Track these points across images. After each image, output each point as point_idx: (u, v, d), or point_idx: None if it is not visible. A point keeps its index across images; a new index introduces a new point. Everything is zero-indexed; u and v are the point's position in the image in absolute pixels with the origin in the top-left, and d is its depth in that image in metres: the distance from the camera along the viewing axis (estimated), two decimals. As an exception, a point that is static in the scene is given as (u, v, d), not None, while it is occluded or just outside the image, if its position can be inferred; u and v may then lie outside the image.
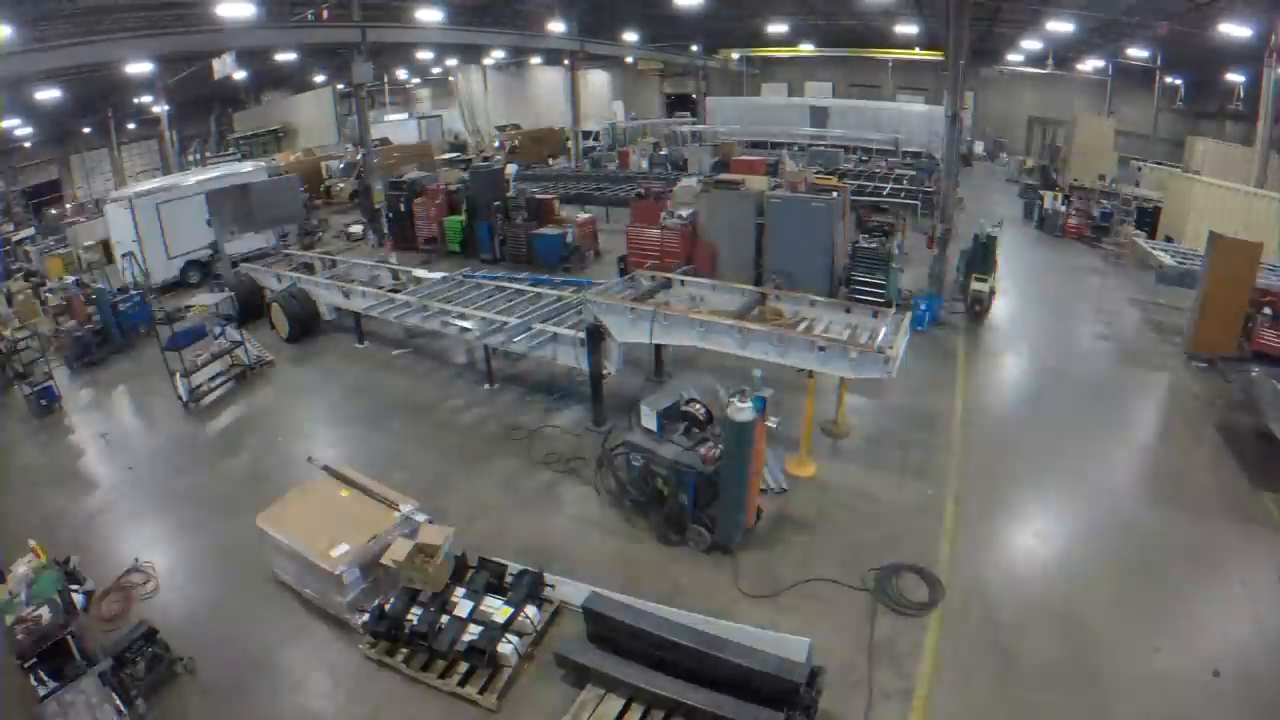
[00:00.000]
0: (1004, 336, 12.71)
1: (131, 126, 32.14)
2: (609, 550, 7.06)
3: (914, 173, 22.36)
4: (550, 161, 32.73)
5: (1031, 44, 27.60)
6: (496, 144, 34.79)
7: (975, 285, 12.90)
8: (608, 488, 7.81)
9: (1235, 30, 17.02)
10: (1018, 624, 6.06)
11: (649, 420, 7.38)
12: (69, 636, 5.19)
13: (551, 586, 6.23)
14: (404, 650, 5.76)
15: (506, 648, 5.55)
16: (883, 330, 8.03)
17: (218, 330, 11.24)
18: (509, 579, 6.20)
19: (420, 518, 6.46)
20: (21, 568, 5.85)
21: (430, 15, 22.35)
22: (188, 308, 12.13)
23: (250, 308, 13.23)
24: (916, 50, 33.10)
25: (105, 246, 19.71)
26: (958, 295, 13.59)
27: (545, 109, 38.51)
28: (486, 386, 10.62)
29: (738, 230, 13.65)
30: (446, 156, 30.86)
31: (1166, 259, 14.21)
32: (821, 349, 7.64)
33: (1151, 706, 5.29)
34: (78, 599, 5.87)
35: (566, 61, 29.53)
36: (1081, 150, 24.91)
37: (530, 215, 17.43)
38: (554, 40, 27.56)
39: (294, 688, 5.65)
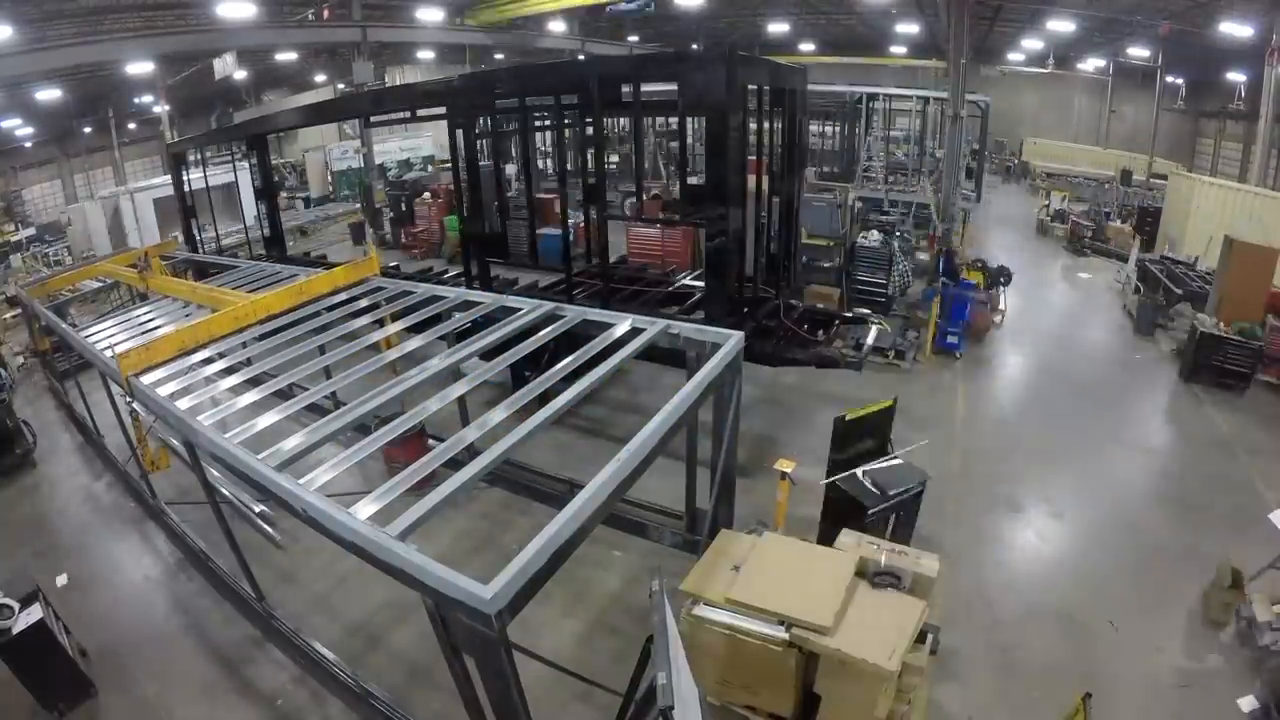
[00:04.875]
0: (1006, 334, 12.71)
1: (132, 126, 32.14)
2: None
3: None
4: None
5: (1032, 43, 27.56)
6: None
7: None
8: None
9: (1236, 29, 17.01)
10: (1019, 623, 6.05)
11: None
12: None
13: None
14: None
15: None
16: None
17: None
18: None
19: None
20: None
21: (431, 15, 22.36)
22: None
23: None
24: (930, 58, 32.63)
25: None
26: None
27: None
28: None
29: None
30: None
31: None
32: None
33: (1152, 705, 5.29)
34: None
35: (568, 61, 29.59)
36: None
37: (531, 214, 17.41)
38: (555, 40, 27.56)
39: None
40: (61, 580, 6.96)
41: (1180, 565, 6.68)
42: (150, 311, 8.19)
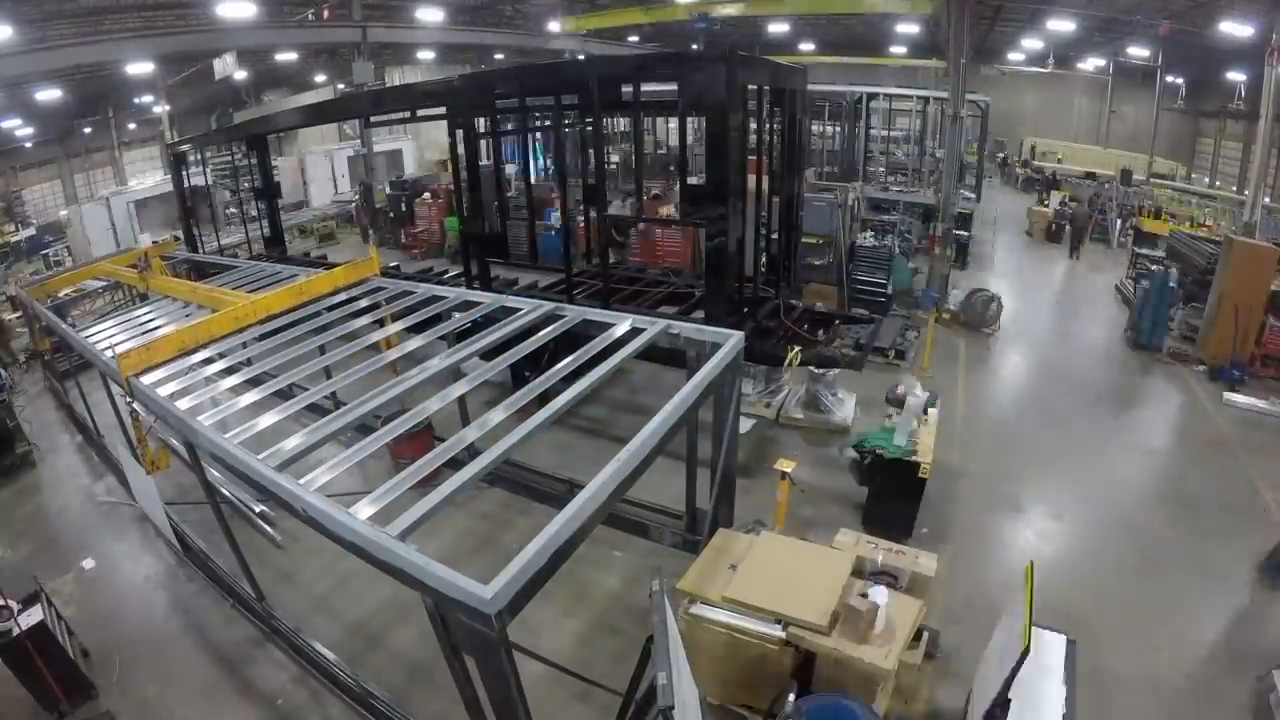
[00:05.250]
0: (1006, 331, 12.73)
1: (132, 126, 32.14)
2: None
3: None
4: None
5: (1032, 43, 27.55)
6: None
7: None
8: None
9: (1236, 29, 17.01)
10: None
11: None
12: None
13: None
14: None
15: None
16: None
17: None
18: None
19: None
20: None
21: (431, 15, 22.36)
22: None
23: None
24: (930, 58, 32.69)
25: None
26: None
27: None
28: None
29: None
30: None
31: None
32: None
33: (1151, 705, 5.29)
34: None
35: (567, 61, 29.54)
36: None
37: (531, 214, 17.46)
38: (555, 40, 27.55)
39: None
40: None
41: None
42: (150, 312, 8.19)
